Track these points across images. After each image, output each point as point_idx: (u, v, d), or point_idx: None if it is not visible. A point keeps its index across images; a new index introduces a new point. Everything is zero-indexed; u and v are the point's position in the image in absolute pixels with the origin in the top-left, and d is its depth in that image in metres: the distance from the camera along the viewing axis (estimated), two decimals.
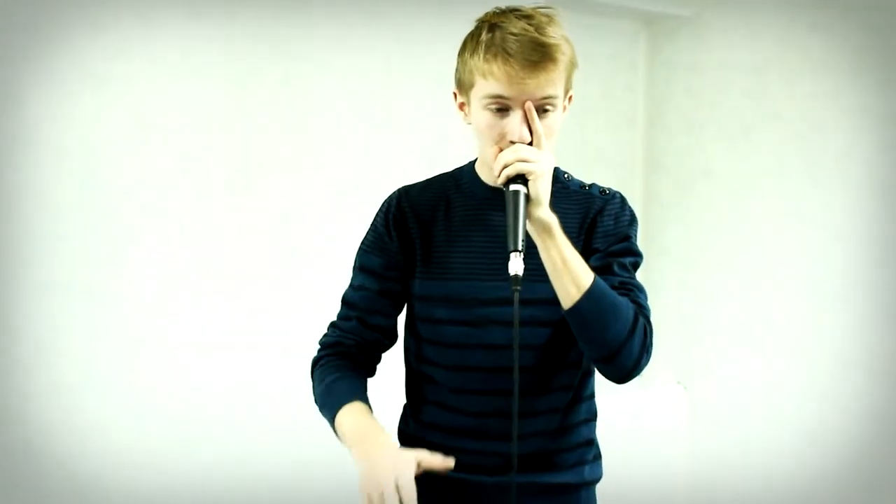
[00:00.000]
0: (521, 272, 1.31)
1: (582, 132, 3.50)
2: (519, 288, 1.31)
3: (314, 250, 2.69)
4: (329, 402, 1.50)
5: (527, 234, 1.36)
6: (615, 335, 1.41)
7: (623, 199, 1.58)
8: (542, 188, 1.36)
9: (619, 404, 3.37)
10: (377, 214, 1.61)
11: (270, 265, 2.62)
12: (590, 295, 1.39)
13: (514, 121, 1.40)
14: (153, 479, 2.45)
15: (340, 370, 1.54)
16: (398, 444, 1.60)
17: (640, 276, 1.54)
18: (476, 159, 1.59)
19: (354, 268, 1.61)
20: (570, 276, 1.39)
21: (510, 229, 1.33)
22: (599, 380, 1.56)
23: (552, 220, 1.38)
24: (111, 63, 2.35)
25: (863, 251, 2.93)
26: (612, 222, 1.54)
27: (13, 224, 2.25)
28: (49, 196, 2.29)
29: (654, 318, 1.47)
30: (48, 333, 2.31)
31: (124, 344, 2.42)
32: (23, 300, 2.28)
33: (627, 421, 3.38)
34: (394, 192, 1.62)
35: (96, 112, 2.35)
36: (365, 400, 1.49)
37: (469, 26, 1.47)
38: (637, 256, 1.55)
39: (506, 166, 1.36)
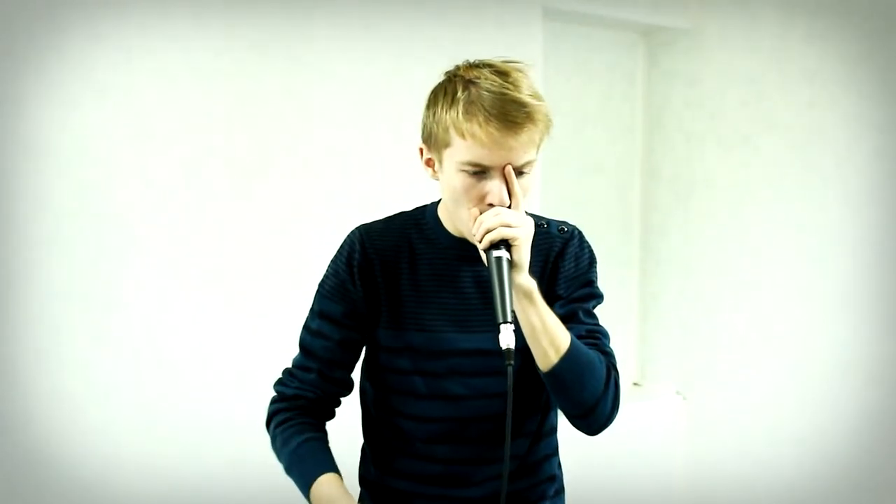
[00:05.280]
0: (513, 345, 1.26)
1: (581, 142, 3.51)
2: (512, 363, 1.26)
3: (316, 258, 2.67)
4: (301, 470, 1.48)
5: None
6: (591, 394, 1.41)
7: (581, 237, 1.56)
8: (524, 254, 1.34)
9: (618, 415, 3.37)
10: (337, 257, 1.55)
11: (272, 272, 2.62)
12: (567, 357, 1.38)
13: (495, 184, 1.36)
14: (155, 486, 2.45)
15: (306, 430, 1.51)
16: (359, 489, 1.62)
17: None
18: (438, 201, 1.55)
19: (313, 310, 1.57)
20: (549, 339, 1.37)
21: (497, 300, 1.29)
22: None
23: (532, 285, 1.36)
24: (112, 72, 2.35)
25: (861, 259, 2.93)
26: (572, 265, 1.52)
27: (15, 231, 2.25)
28: (50, 203, 2.29)
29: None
30: (50, 340, 2.31)
31: (126, 350, 2.42)
32: (24, 307, 2.27)
33: (627, 431, 3.35)
34: (353, 234, 1.55)
35: (97, 120, 2.35)
36: (336, 469, 1.47)
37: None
38: (599, 298, 1.55)
39: (488, 231, 1.33)
